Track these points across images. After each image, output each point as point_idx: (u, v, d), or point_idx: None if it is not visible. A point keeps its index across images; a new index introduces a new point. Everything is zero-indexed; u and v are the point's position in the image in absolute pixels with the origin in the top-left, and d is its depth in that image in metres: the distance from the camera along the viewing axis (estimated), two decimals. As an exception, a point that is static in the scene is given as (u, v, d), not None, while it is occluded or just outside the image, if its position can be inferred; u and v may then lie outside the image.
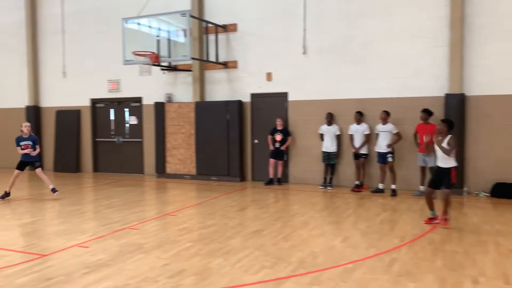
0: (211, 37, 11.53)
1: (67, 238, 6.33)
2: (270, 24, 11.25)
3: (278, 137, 10.88)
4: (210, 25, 11.45)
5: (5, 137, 15.11)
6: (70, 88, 14.16)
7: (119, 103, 13.63)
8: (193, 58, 10.97)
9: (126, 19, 11.07)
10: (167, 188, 11.06)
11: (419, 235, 6.34)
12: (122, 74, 13.10)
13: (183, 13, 10.47)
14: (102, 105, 13.90)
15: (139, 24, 11.22)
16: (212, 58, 11.50)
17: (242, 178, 11.65)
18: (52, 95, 14.56)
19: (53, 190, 9.53)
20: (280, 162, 10.98)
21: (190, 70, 12.13)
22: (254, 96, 11.59)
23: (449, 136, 6.71)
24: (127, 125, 13.61)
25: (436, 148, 6.80)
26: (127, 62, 10.96)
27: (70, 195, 10.08)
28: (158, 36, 11.07)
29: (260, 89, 11.48)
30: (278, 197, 9.71)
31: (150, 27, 11.21)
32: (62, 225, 7.14)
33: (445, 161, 6.73)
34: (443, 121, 6.90)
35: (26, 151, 9.45)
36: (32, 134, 9.84)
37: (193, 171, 12.07)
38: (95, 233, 6.58)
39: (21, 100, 14.84)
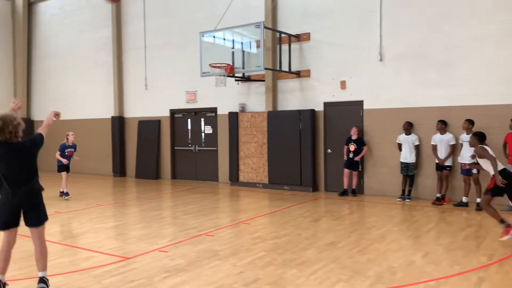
0: (284, 47, 11.60)
1: (149, 242, 6.65)
2: (344, 31, 11.09)
3: (352, 147, 10.62)
4: (283, 35, 11.55)
5: (94, 145, 16.33)
6: (151, 100, 14.99)
7: (196, 113, 14.15)
8: (266, 69, 11.11)
9: (203, 33, 11.50)
10: (240, 196, 11.24)
11: (510, 254, 5.83)
12: (199, 86, 13.62)
13: (257, 25, 10.67)
14: (180, 115, 14.52)
15: (214, 37, 11.61)
16: (284, 67, 11.56)
17: (315, 188, 11.52)
18: (134, 106, 15.50)
19: (66, 194, 10.70)
20: (354, 173, 10.71)
21: (263, 80, 12.29)
22: (327, 105, 11.45)
23: None
24: (203, 134, 14.09)
25: None
26: (204, 74, 11.36)
27: (151, 200, 10.61)
28: (232, 48, 11.37)
29: (333, 98, 11.33)
30: (353, 208, 9.46)
31: (224, 39, 11.55)
32: (144, 230, 7.52)
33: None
34: None
35: (62, 160, 10.64)
36: (75, 143, 11.11)
37: (266, 180, 12.16)
38: (174, 238, 6.85)
39: (107, 111, 15.97)
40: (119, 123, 15.59)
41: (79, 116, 16.72)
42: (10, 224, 4.43)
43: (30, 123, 18.42)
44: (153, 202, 10.49)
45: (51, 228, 7.80)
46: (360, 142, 10.65)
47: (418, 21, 10.10)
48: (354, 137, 10.66)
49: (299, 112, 11.58)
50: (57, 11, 17.67)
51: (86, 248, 6.34)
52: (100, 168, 16.20)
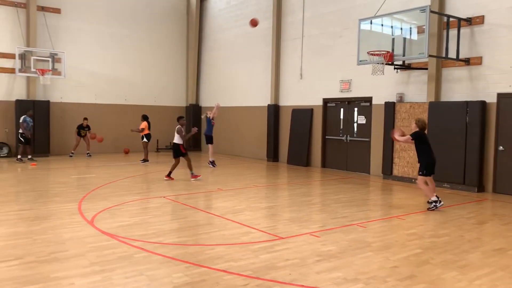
0: (452, 32, 10.63)
1: (300, 225, 6.87)
2: (528, 12, 9.66)
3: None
4: (451, 19, 10.58)
5: (251, 131, 17.44)
6: (305, 89, 15.30)
7: (349, 103, 13.97)
8: (430, 56, 10.34)
9: (362, 20, 11.23)
10: (393, 191, 10.78)
11: None
12: (354, 74, 13.39)
13: (422, 9, 9.97)
14: (333, 104, 14.52)
15: (371, 23, 11.23)
16: (451, 54, 10.60)
17: (480, 189, 10.39)
18: (289, 95, 16.01)
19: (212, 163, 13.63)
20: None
21: (425, 68, 11.48)
22: (501, 96, 10.16)
23: None
24: (355, 124, 13.86)
25: None
26: (361, 62, 11.12)
27: (302, 186, 10.90)
28: (392, 34, 10.86)
29: (510, 89, 10.00)
30: (528, 214, 8.28)
31: (382, 25, 11.09)
32: (295, 213, 7.78)
33: None
34: None
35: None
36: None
37: (422, 175, 11.39)
38: (324, 225, 6.94)
39: (264, 99, 16.83)
40: (274, 111, 16.30)
41: (239, 104, 18.01)
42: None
43: (198, 109, 20.54)
44: (304, 188, 10.76)
45: (215, 203, 8.63)
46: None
47: None
48: (534, 133, 9.28)
49: (467, 103, 10.52)
50: (224, 6, 19.18)
51: (244, 224, 6.84)
52: (255, 152, 17.23)
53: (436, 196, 8.28)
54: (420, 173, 8.33)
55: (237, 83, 18.31)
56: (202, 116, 14.89)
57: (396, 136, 8.68)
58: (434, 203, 8.22)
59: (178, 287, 4.31)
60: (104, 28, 18.31)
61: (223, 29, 19.25)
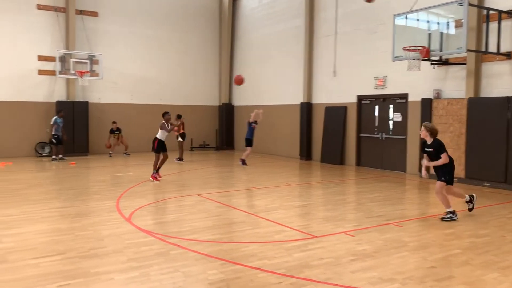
0: (492, 25, 10.24)
1: (335, 224, 6.81)
2: None
3: None
4: (491, 12, 10.19)
5: (284, 130, 17.42)
6: (338, 86, 15.12)
7: (384, 100, 13.71)
8: (469, 50, 10.01)
9: (397, 15, 11.00)
10: (430, 189, 10.49)
11: None
12: (388, 71, 13.13)
13: (460, 3, 9.66)
14: (367, 101, 14.29)
15: (406, 18, 10.98)
16: (491, 48, 10.22)
17: (523, 187, 9.99)
18: (322, 93, 15.88)
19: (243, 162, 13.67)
20: None
21: (463, 63, 11.12)
22: (546, 91, 9.73)
23: None
24: (391, 121, 13.59)
25: None
26: (396, 58, 10.90)
27: (336, 185, 10.80)
28: (428, 29, 10.58)
29: (555, 83, 9.55)
30: None
31: (418, 20, 10.82)
32: (329, 212, 7.72)
33: None
34: None
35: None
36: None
37: (461, 174, 11.06)
38: (359, 224, 6.85)
39: (296, 97, 16.76)
40: (307, 109, 16.20)
41: (272, 102, 18.01)
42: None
43: (231, 108, 20.70)
44: (338, 186, 10.65)
45: (248, 201, 8.68)
46: None
47: None
48: None
49: (508, 99, 10.12)
50: (256, 5, 19.22)
51: (278, 222, 6.85)
52: (288, 151, 17.19)
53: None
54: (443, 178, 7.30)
55: (270, 82, 18.32)
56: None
57: (428, 163, 7.46)
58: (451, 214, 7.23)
59: (213, 284, 4.37)
60: (139, 30, 18.73)
61: (255, 28, 19.30)
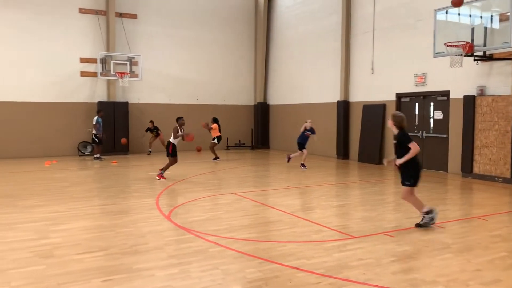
0: (542, 17, 9.75)
1: (374, 225, 6.69)
2: None
3: None
4: (541, 3, 9.70)
5: (320, 128, 17.25)
6: (376, 84, 14.83)
7: (424, 97, 13.33)
8: (516, 45, 9.57)
9: (438, 10, 10.67)
10: (473, 190, 10.14)
11: None
12: (429, 67, 12.76)
13: (506, -5, 9.26)
14: (407, 99, 13.94)
15: (446, 13, 10.62)
16: (541, 42, 9.73)
17: None
18: (360, 91, 15.62)
19: (302, 165, 13.05)
20: None
21: (509, 59, 10.65)
22: None
23: None
24: (431, 120, 13.20)
25: None
26: (437, 54, 10.59)
27: (374, 185, 10.60)
28: (471, 24, 10.19)
29: None
30: None
31: (459, 15, 10.44)
32: (368, 212, 7.59)
33: None
34: None
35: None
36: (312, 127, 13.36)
37: (507, 173, 10.61)
38: (400, 225, 6.70)
39: (333, 95, 16.56)
40: (344, 107, 15.98)
41: (308, 101, 17.89)
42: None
43: (266, 107, 20.73)
44: (376, 186, 10.45)
45: (285, 200, 8.66)
46: None
47: None
48: None
49: (558, 95, 9.63)
50: (291, 3, 19.14)
51: (315, 222, 6.79)
52: (325, 150, 17.02)
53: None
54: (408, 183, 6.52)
55: (306, 80, 18.20)
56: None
57: (397, 161, 6.48)
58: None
59: (252, 282, 4.38)
60: (176, 31, 19.04)
61: (290, 26, 19.22)
